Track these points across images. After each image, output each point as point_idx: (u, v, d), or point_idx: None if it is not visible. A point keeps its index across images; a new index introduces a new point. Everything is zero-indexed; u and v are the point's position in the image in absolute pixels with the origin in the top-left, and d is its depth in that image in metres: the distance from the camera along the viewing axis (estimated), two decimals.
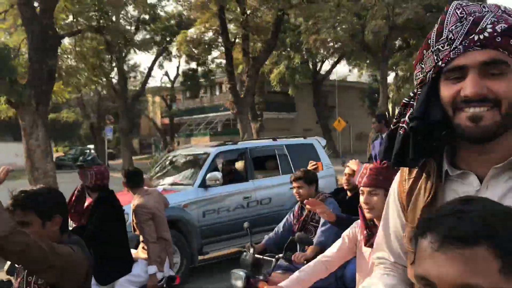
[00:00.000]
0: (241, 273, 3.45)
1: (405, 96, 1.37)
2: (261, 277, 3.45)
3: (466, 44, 0.99)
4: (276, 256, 3.52)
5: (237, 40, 19.35)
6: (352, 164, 3.45)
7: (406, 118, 1.10)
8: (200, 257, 6.41)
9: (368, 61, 25.91)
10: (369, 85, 35.13)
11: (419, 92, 1.09)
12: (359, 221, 2.44)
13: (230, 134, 27.67)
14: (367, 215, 2.32)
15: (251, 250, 3.71)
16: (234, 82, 17.99)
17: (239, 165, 7.64)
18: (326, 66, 32.93)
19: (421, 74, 1.09)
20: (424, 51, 1.08)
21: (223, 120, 35.36)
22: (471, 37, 0.99)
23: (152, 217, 4.20)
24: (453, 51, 1.01)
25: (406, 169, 1.19)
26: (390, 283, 1.25)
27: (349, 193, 3.92)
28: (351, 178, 3.64)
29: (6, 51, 10.72)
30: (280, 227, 4.06)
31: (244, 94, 17.72)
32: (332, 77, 35.62)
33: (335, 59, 30.04)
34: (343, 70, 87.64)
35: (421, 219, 0.89)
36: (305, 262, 3.21)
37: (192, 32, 21.02)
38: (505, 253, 0.68)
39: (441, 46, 1.03)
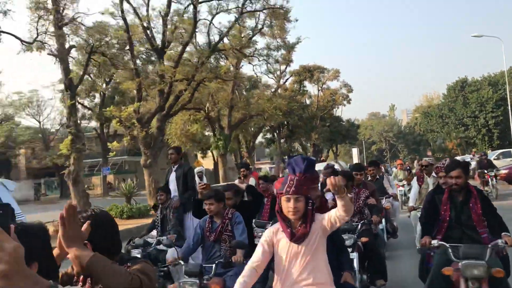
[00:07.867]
0: (194, 280, 3.96)
1: None
2: (204, 281, 4.01)
3: None
4: (216, 262, 4.19)
5: None
6: None
7: None
8: None
9: None
10: None
11: None
12: (272, 227, 2.95)
13: None
14: (293, 217, 2.79)
15: (182, 262, 4.36)
16: None
17: None
18: None
19: None
20: None
21: None
22: None
23: None
24: None
25: None
26: None
27: None
28: None
29: None
30: (190, 240, 4.64)
31: None
32: None
33: None
34: None
35: None
36: (244, 262, 3.81)
37: None
38: None
39: None
